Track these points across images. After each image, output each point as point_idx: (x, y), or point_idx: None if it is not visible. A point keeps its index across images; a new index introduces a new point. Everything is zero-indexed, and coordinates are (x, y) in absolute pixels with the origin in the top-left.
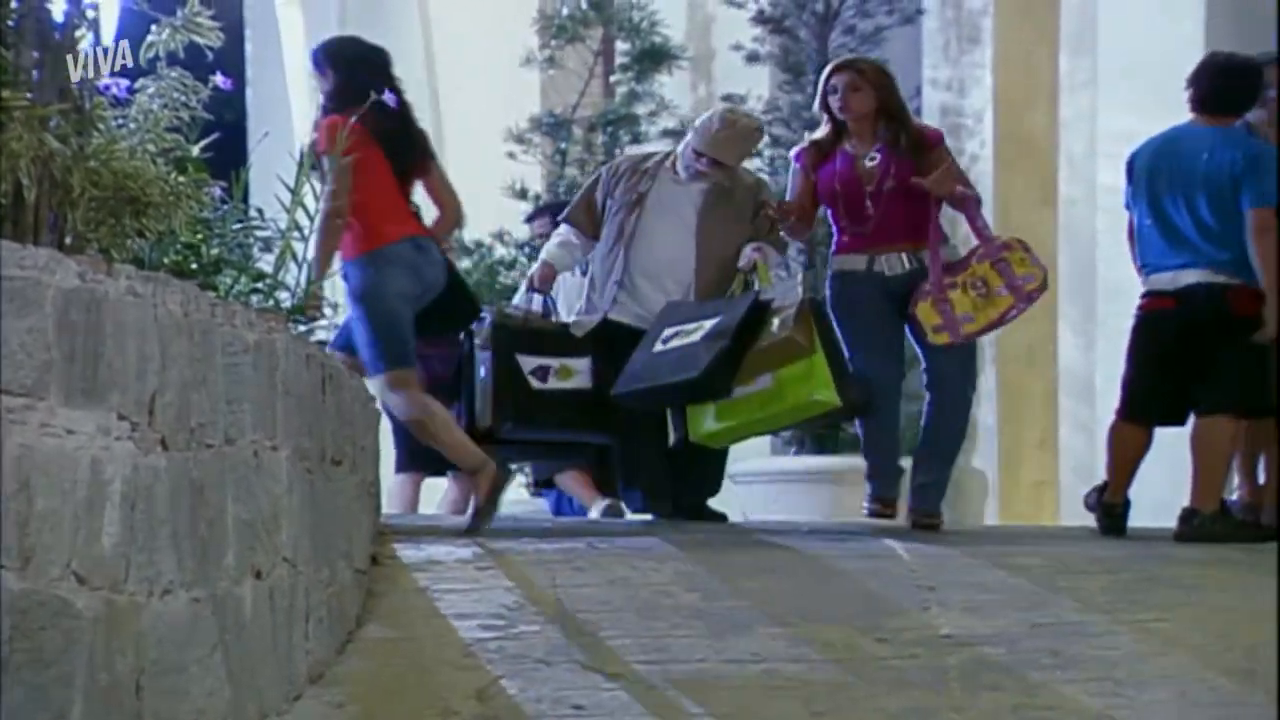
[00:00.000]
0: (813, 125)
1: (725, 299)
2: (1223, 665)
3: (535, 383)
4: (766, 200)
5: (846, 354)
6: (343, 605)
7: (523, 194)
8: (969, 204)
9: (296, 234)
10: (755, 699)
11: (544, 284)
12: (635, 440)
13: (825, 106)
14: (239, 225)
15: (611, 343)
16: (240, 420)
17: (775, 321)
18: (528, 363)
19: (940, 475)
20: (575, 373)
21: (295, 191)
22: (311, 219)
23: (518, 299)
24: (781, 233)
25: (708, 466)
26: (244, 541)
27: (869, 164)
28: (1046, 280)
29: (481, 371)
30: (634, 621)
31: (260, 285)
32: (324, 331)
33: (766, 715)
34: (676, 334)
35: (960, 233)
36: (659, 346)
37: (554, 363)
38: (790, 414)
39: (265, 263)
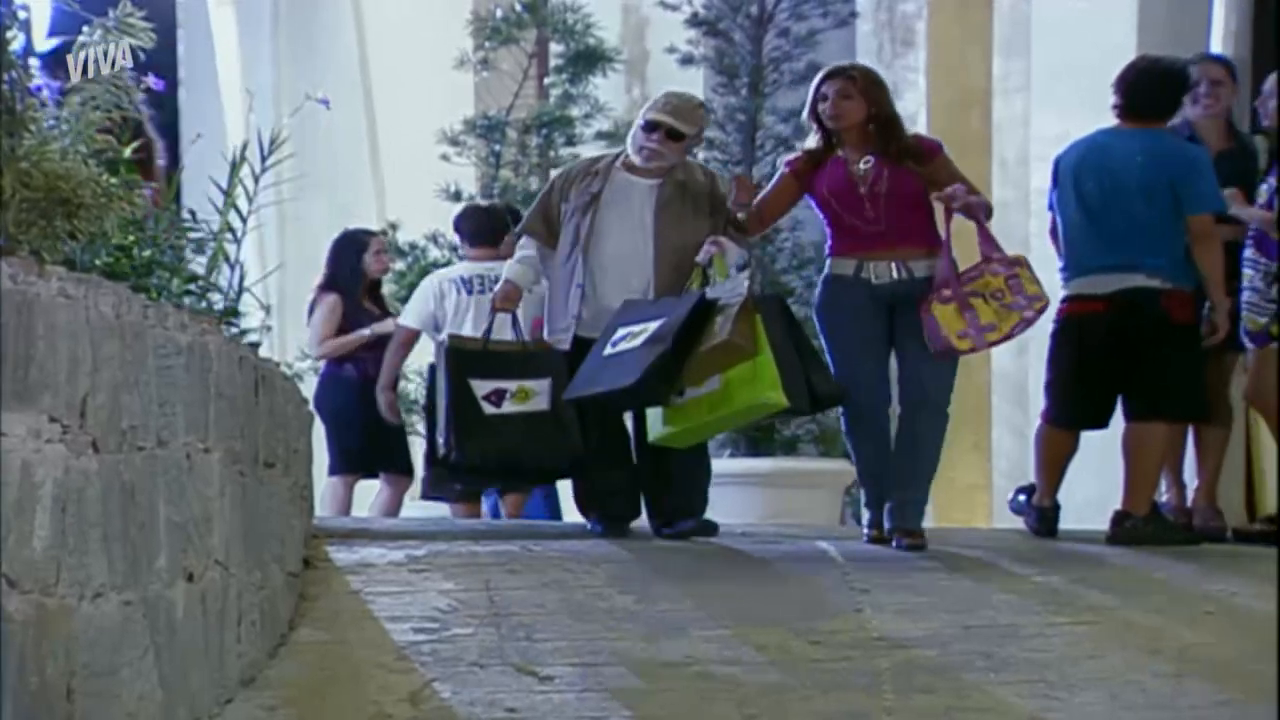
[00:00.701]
0: (745, 128)
1: (676, 296)
2: (1153, 668)
3: (488, 408)
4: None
5: (831, 367)
6: (275, 608)
7: (457, 196)
8: (978, 212)
9: (229, 235)
10: (689, 701)
11: (507, 303)
12: (593, 463)
13: (815, 114)
14: (171, 227)
15: (580, 360)
16: (172, 422)
17: (718, 321)
18: (481, 387)
19: (921, 492)
20: (534, 395)
21: (228, 193)
22: (244, 220)
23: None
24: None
25: (685, 481)
26: (176, 544)
27: (863, 167)
28: (1046, 300)
29: (443, 399)
30: (568, 624)
31: (193, 287)
32: (256, 334)
33: (700, 718)
34: (625, 336)
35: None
36: (608, 350)
37: (511, 385)
38: (740, 415)
39: (198, 264)
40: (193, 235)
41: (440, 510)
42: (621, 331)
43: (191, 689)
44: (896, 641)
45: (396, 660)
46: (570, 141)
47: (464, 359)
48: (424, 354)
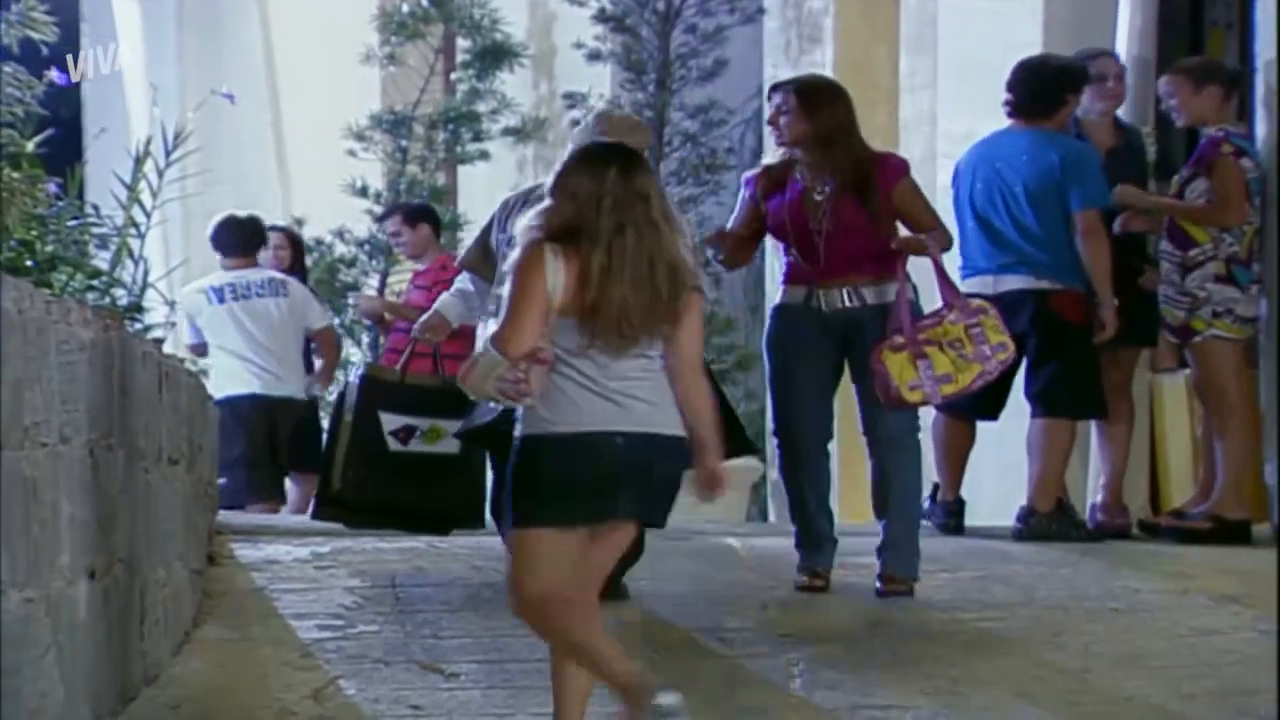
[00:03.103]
0: (653, 124)
1: None
2: (1057, 663)
3: (393, 444)
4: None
5: (771, 400)
6: (179, 605)
7: (363, 191)
8: (935, 254)
9: (133, 231)
10: (594, 699)
11: (428, 333)
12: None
13: (775, 126)
14: (75, 222)
15: None
16: (75, 419)
17: None
18: (391, 421)
19: (906, 534)
20: (446, 435)
21: (132, 188)
22: (148, 215)
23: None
24: (716, 260)
25: None
26: (79, 542)
27: (817, 198)
28: (1014, 351)
29: (346, 431)
30: (474, 621)
31: (96, 283)
32: (160, 330)
33: (607, 715)
34: None
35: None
36: None
37: (423, 423)
38: None
39: (101, 260)
40: (96, 230)
41: None
42: None
43: (94, 687)
44: (802, 638)
45: (301, 657)
46: (477, 137)
47: (377, 390)
48: None
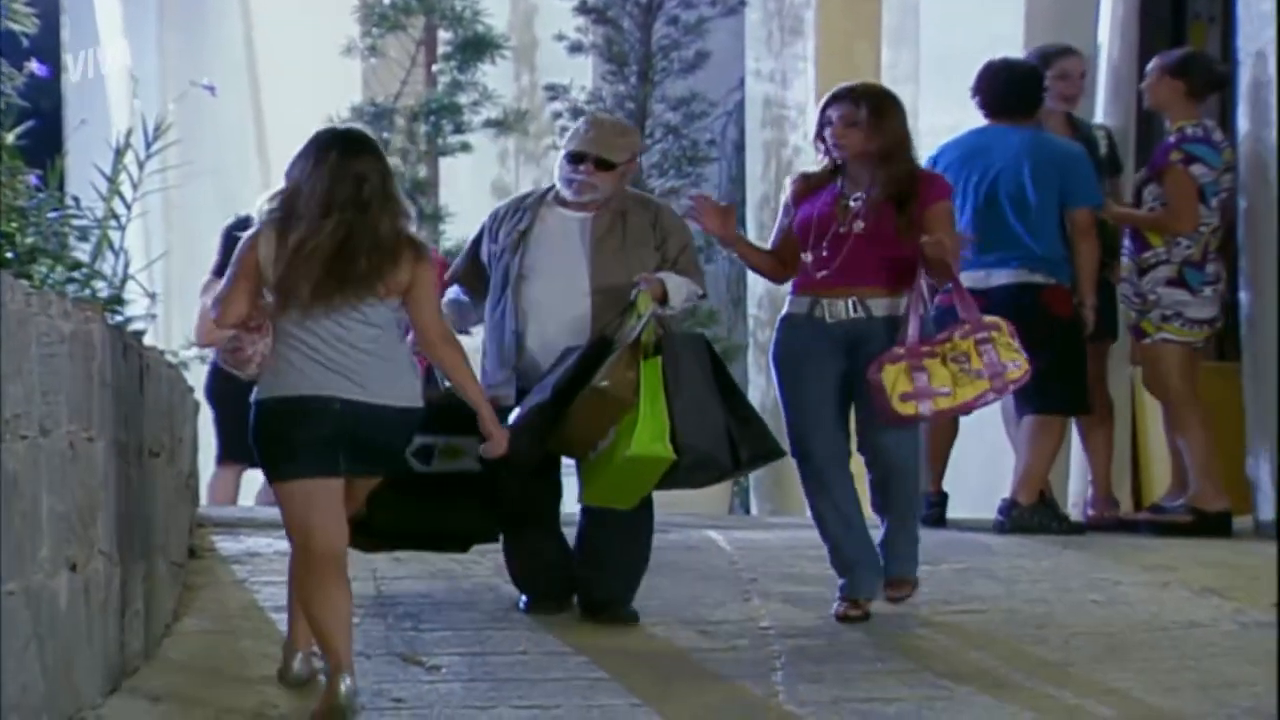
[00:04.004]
0: (634, 117)
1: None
2: (1039, 656)
3: (418, 465)
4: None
5: (785, 417)
6: (159, 598)
7: None
8: (954, 265)
9: (114, 223)
10: (576, 691)
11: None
12: (519, 533)
13: (821, 138)
14: (55, 214)
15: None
16: (56, 411)
17: (601, 368)
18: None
19: (903, 536)
20: (463, 453)
21: (112, 180)
22: (129, 207)
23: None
24: (745, 263)
25: (615, 564)
26: (59, 534)
27: (852, 204)
28: (1029, 371)
29: None
30: (454, 614)
31: (77, 275)
32: (141, 322)
33: (587, 707)
34: (539, 387)
35: None
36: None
37: (439, 441)
38: (630, 473)
39: (82, 252)
40: (77, 223)
41: None
42: (541, 382)
43: (75, 679)
44: (784, 631)
45: (282, 650)
46: (459, 129)
47: None
48: None
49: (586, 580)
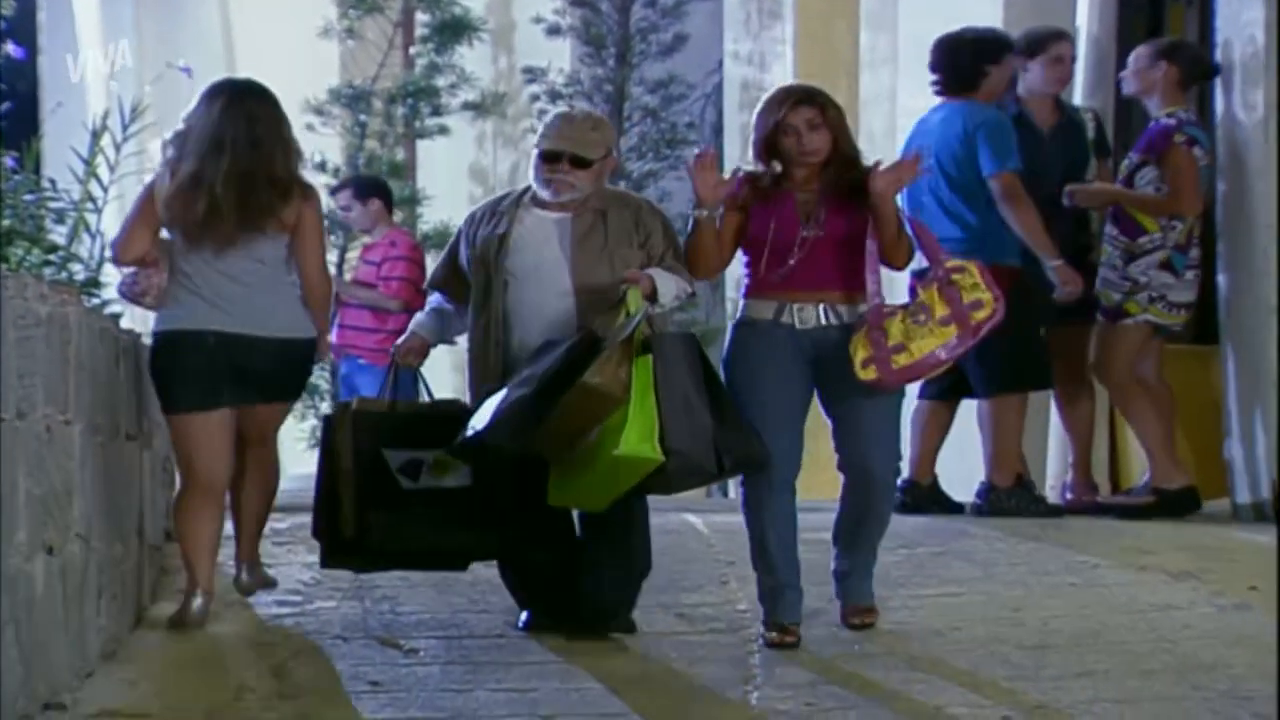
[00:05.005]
0: (612, 99)
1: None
2: (1016, 639)
3: (405, 482)
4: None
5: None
6: (137, 581)
7: (321, 166)
8: (897, 212)
9: (90, 205)
10: (553, 674)
11: (409, 357)
12: (517, 547)
13: (772, 147)
14: (31, 196)
15: None
16: (32, 394)
17: (593, 364)
18: (396, 458)
19: (864, 560)
20: (454, 467)
21: (89, 162)
22: (105, 190)
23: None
24: (700, 238)
25: (614, 575)
26: (35, 517)
27: (809, 205)
28: (999, 309)
29: (348, 473)
30: (432, 597)
31: (53, 258)
32: (117, 305)
33: (565, 691)
34: (520, 380)
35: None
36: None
37: (427, 456)
38: (615, 473)
39: (58, 235)
40: (53, 205)
41: (304, 483)
42: (524, 373)
43: (51, 663)
44: (760, 614)
45: (260, 633)
46: (436, 112)
47: (374, 424)
48: None
49: (582, 586)
